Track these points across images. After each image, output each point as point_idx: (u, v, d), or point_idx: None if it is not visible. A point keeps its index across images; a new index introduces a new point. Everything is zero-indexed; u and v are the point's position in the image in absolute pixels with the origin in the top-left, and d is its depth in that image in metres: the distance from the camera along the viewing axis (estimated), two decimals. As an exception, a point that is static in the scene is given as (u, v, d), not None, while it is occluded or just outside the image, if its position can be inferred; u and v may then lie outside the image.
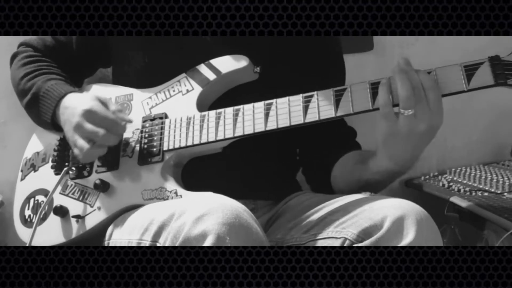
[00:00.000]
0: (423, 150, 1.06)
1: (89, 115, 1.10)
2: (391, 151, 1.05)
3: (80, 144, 1.10)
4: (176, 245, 0.92)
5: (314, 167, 1.29)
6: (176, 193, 1.08)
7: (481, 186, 1.66)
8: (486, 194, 1.60)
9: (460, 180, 1.77)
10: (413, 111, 0.98)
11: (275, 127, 1.08)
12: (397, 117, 1.00)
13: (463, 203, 1.54)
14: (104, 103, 1.13)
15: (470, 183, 1.71)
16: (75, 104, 1.14)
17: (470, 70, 1.00)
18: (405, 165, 1.08)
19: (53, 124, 1.21)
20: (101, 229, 1.14)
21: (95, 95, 1.15)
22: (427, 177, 1.87)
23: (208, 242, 0.89)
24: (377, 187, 1.14)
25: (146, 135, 1.17)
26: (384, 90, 1.01)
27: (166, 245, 0.94)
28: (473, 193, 1.61)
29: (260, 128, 1.08)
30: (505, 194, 1.58)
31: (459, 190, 1.66)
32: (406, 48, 1.89)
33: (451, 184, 1.72)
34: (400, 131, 1.00)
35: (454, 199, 1.58)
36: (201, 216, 0.91)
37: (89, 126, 1.09)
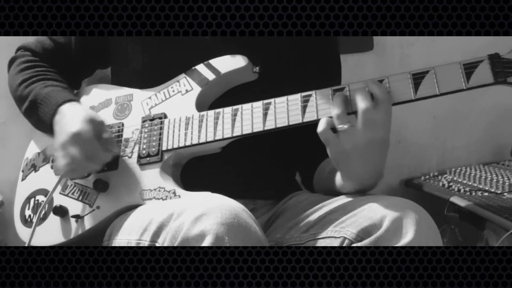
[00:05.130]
0: (380, 164, 1.04)
1: (76, 138, 1.09)
2: (345, 171, 1.06)
3: (59, 163, 1.11)
4: (175, 245, 0.92)
5: (305, 167, 1.29)
6: (174, 193, 1.08)
7: (481, 186, 1.66)
8: (486, 194, 1.60)
9: (460, 180, 1.77)
10: (349, 125, 0.98)
11: (273, 126, 1.07)
12: (337, 136, 1.00)
13: (463, 203, 1.54)
14: (97, 128, 1.12)
15: (470, 183, 1.71)
16: (67, 120, 1.13)
17: (469, 68, 0.99)
18: (365, 182, 1.07)
19: (52, 131, 1.20)
20: (100, 229, 1.13)
21: (91, 116, 1.13)
22: (427, 177, 1.87)
23: (206, 242, 0.89)
24: None
25: (145, 135, 1.17)
26: (322, 121, 1.01)
27: (165, 245, 0.94)
28: (473, 193, 1.61)
29: (258, 127, 1.08)
30: (505, 194, 1.58)
31: (459, 190, 1.66)
32: (406, 48, 1.89)
33: (451, 184, 1.72)
34: (344, 148, 1.00)
35: (454, 199, 1.58)
36: (200, 216, 0.91)
37: (72, 150, 1.09)
